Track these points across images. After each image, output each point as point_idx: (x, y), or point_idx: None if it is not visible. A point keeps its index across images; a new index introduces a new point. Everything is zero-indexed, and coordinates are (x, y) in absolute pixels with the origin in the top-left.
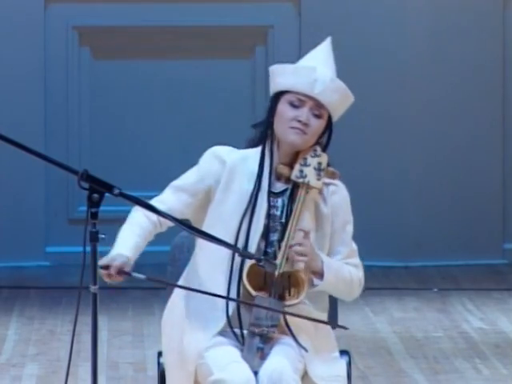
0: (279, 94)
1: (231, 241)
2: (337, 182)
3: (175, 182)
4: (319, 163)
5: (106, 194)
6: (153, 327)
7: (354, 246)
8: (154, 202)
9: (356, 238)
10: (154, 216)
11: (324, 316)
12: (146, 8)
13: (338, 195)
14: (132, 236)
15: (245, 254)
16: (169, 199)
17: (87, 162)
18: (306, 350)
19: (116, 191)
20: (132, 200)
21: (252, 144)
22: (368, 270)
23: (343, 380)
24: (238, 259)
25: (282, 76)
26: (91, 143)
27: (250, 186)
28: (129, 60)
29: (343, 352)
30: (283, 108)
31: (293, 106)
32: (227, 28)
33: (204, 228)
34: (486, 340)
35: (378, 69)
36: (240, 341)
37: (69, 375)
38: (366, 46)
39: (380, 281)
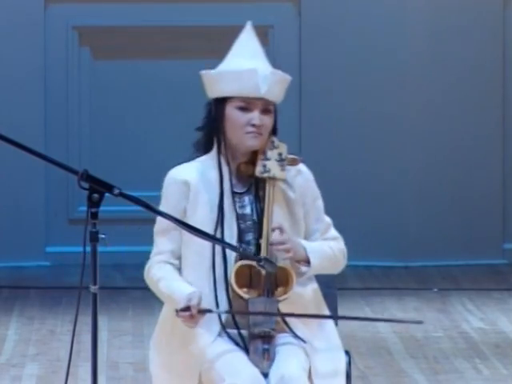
0: (223, 99)
1: (209, 251)
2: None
3: (157, 228)
4: (280, 154)
5: (106, 194)
6: (153, 327)
7: (328, 220)
8: (154, 258)
9: (357, 237)
10: (166, 265)
11: (313, 285)
12: (146, 8)
13: (301, 176)
14: (180, 280)
15: (245, 254)
16: (164, 246)
17: (87, 162)
18: (305, 342)
19: (116, 191)
20: (132, 200)
21: (202, 149)
22: (368, 269)
23: (342, 373)
24: (219, 268)
25: (223, 83)
26: (91, 143)
27: (214, 195)
28: (129, 60)
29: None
30: (233, 114)
31: (242, 109)
32: (227, 28)
33: (182, 245)
34: (486, 340)
35: (378, 69)
36: (239, 342)
37: (69, 375)
38: (365, 46)
39: (380, 281)
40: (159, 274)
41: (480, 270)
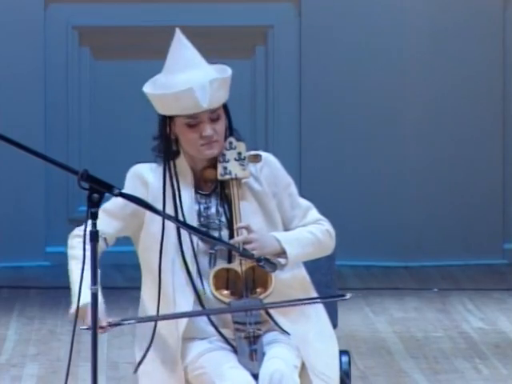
0: (170, 116)
1: (172, 255)
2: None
3: (107, 205)
4: (239, 153)
5: (106, 194)
6: None
7: (306, 203)
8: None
9: (357, 237)
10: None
11: (301, 273)
12: (146, 8)
13: (267, 167)
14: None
15: (244, 254)
16: (101, 223)
17: (87, 162)
18: (289, 334)
19: (116, 191)
20: (132, 200)
21: (162, 155)
22: (368, 270)
23: (336, 365)
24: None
25: (164, 104)
26: (91, 143)
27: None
28: (129, 60)
29: (343, 352)
30: (183, 131)
31: (190, 126)
32: (227, 28)
33: (141, 251)
34: (486, 340)
35: (377, 69)
36: (227, 342)
37: (69, 375)
38: (365, 46)
39: (380, 281)
40: (77, 251)
41: (480, 269)
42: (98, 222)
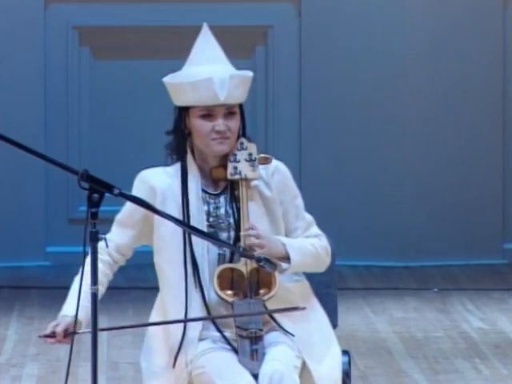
0: (186, 107)
1: (181, 257)
2: (273, 162)
3: (118, 216)
4: (249, 154)
5: (106, 194)
6: None
7: (310, 217)
8: (105, 242)
9: (357, 237)
10: (105, 256)
11: (301, 279)
12: (146, 8)
13: (278, 174)
14: (77, 292)
15: (244, 254)
16: (115, 236)
17: (87, 162)
18: (293, 335)
19: (116, 191)
20: (132, 200)
21: (174, 152)
22: (368, 269)
23: (338, 368)
24: (191, 275)
25: (182, 93)
26: (91, 143)
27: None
28: (129, 60)
29: (343, 352)
30: (197, 123)
31: (205, 117)
32: (227, 28)
33: (155, 254)
34: (486, 340)
35: (377, 69)
36: (225, 343)
37: (69, 375)
38: (365, 46)
39: (380, 281)
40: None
41: (480, 269)
42: (112, 234)
